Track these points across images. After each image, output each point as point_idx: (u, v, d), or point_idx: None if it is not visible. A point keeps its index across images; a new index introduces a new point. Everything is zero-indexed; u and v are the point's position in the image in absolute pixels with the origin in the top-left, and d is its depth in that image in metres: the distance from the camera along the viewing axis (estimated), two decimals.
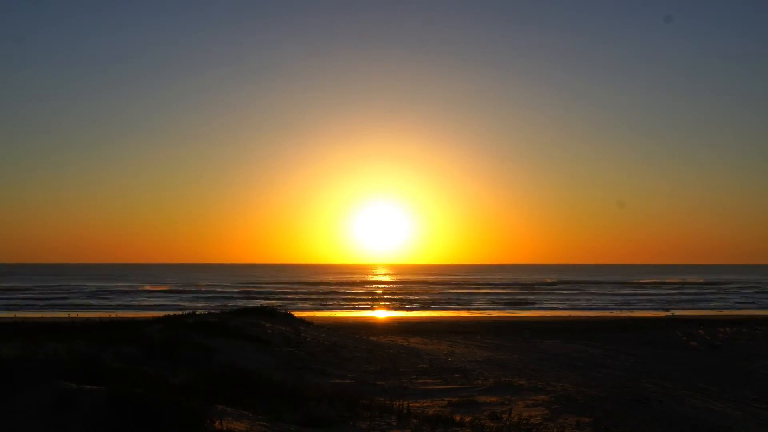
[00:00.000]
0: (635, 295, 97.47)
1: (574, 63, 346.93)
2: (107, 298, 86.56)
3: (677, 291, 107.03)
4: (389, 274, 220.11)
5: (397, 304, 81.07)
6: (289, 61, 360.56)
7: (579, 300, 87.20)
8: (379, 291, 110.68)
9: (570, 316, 60.46)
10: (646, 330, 41.38)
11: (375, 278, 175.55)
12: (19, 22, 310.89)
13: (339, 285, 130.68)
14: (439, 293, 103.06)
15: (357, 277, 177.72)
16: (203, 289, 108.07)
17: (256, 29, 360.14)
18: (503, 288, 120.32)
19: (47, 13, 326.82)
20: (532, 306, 77.80)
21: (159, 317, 27.01)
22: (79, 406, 9.67)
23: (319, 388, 15.40)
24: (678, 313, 63.63)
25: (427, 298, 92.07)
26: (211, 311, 33.06)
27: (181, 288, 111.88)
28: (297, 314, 33.94)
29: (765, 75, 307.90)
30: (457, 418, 13.05)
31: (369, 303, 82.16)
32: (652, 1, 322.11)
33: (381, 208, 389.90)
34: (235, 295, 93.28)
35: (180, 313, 29.41)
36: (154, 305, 74.14)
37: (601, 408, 14.74)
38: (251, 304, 62.85)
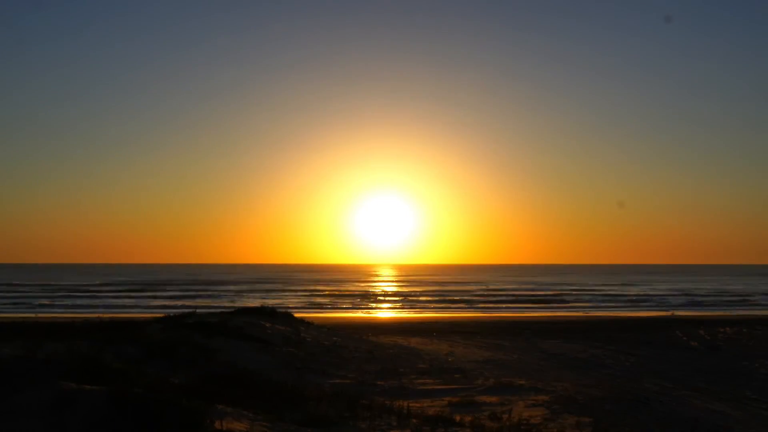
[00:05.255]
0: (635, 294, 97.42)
1: (574, 63, 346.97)
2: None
3: (678, 291, 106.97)
4: (390, 274, 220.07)
5: (397, 304, 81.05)
6: (290, 61, 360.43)
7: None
8: (380, 291, 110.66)
9: (570, 316, 60.45)
10: (646, 330, 41.35)
11: (376, 279, 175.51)
12: (22, 26, 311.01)
13: (340, 285, 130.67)
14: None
15: (358, 278, 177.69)
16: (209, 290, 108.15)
17: (256, 30, 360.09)
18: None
19: (49, 16, 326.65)
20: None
21: (159, 317, 27.01)
22: (79, 406, 9.67)
23: (319, 388, 15.41)
24: (678, 313, 63.61)
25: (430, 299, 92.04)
26: (212, 311, 33.08)
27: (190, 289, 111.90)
28: (297, 314, 33.91)
29: (766, 76, 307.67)
30: (457, 418, 13.06)
31: (369, 303, 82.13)
32: (652, 2, 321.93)
33: (381, 208, 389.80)
34: (233, 295, 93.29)
35: (180, 312, 29.41)
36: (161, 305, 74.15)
37: (601, 408, 14.74)
38: (251, 303, 62.93)
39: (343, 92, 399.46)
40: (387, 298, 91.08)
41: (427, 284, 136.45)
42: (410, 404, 14.10)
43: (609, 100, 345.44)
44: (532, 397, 15.85)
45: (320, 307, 75.44)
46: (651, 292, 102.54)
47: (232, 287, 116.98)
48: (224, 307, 46.10)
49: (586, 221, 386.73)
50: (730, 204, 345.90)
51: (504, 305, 78.01)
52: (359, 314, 63.40)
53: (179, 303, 74.05)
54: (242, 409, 11.19)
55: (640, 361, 27.17)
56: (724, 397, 19.50)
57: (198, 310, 33.03)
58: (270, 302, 69.03)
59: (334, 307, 74.73)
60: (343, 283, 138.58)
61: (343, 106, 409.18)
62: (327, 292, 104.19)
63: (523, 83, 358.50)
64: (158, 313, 37.67)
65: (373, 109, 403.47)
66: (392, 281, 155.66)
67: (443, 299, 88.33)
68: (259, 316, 29.00)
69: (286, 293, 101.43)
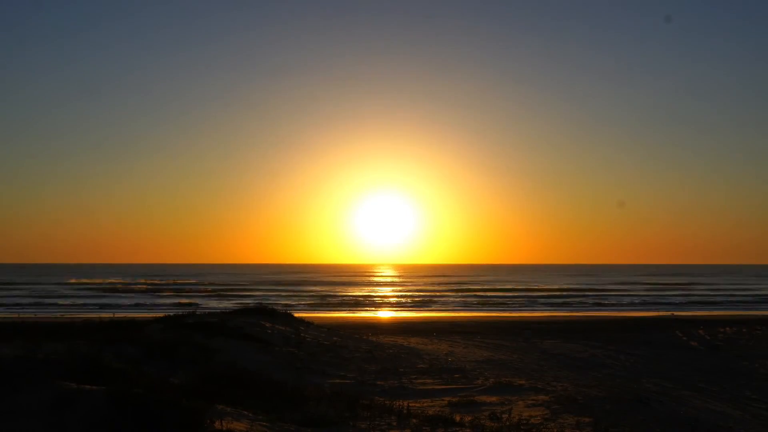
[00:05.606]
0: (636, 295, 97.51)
1: (574, 63, 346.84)
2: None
3: (678, 291, 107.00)
4: (390, 274, 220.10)
5: (397, 304, 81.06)
6: (291, 62, 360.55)
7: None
8: (380, 291, 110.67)
9: (570, 316, 60.46)
10: (646, 330, 41.36)
11: (376, 278, 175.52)
12: (23, 26, 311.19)
13: (339, 285, 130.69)
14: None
15: (358, 278, 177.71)
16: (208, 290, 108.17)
17: (257, 29, 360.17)
18: None
19: (49, 16, 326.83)
20: None
21: (159, 317, 27.04)
22: (79, 406, 9.67)
23: (319, 388, 15.41)
24: (678, 313, 63.60)
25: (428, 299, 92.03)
26: (212, 311, 33.08)
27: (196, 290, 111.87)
28: (297, 314, 33.92)
29: (766, 76, 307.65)
30: (457, 418, 13.06)
31: (369, 303, 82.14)
32: (652, 2, 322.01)
33: (381, 208, 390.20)
34: (233, 296, 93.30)
35: (180, 312, 29.42)
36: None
37: (601, 408, 14.75)
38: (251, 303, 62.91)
39: (343, 93, 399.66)
40: (387, 298, 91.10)
41: (426, 284, 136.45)
42: (410, 404, 14.11)
43: (609, 101, 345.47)
44: (532, 397, 15.85)
45: (320, 307, 75.45)
46: (652, 292, 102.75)
47: (232, 287, 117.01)
48: (224, 307, 46.11)
49: (586, 221, 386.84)
50: (730, 204, 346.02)
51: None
52: (359, 314, 63.41)
53: (180, 302, 74.09)
54: (242, 409, 11.19)
55: (640, 361, 27.17)
56: (724, 397, 19.50)
57: (198, 310, 33.04)
58: (270, 302, 69.04)
59: (334, 307, 74.73)
60: (343, 283, 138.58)
61: (343, 107, 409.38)
62: (327, 292, 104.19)
63: (523, 83, 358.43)
64: (158, 313, 37.67)
65: (373, 110, 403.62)
66: (392, 281, 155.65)
67: (459, 299, 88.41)
68: (259, 316, 29.01)
69: (287, 293, 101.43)
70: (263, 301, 65.99)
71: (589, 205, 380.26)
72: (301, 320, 31.01)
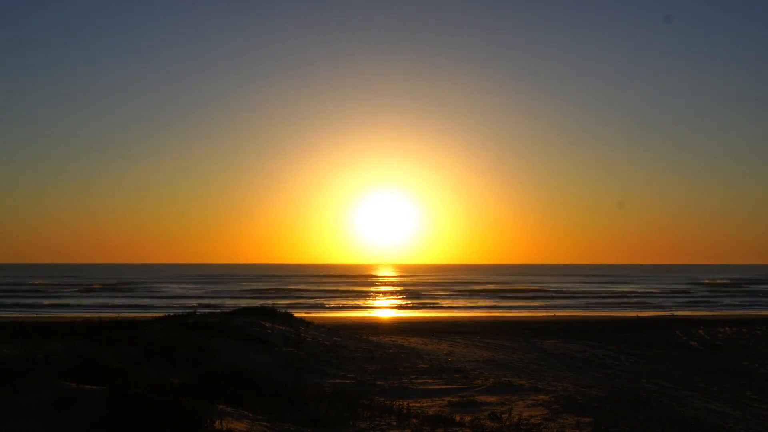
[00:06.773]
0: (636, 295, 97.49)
1: (574, 63, 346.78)
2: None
3: (678, 292, 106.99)
4: (391, 274, 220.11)
5: (397, 304, 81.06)
6: (290, 62, 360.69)
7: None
8: (380, 291, 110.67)
9: (570, 316, 60.46)
10: (646, 330, 41.36)
11: (376, 278, 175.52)
12: (23, 26, 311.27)
13: (340, 285, 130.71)
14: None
15: (358, 278, 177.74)
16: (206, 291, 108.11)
17: (257, 29, 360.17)
18: None
19: (50, 16, 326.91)
20: None
21: (159, 317, 27.04)
22: (79, 406, 9.67)
23: (319, 388, 15.41)
24: (678, 313, 63.60)
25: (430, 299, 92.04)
26: (211, 311, 33.09)
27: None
28: (297, 314, 33.92)
29: (766, 76, 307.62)
30: (457, 418, 13.07)
31: (369, 303, 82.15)
32: (652, 2, 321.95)
33: (382, 208, 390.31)
34: (238, 296, 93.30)
35: (180, 313, 29.43)
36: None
37: (601, 408, 14.75)
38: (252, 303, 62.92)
39: (343, 93, 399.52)
40: (387, 298, 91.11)
41: (427, 284, 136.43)
42: (410, 404, 14.11)
43: (609, 100, 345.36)
44: (532, 397, 15.86)
45: (320, 307, 75.45)
46: (650, 291, 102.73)
47: (234, 286, 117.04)
48: (224, 307, 46.13)
49: (586, 221, 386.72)
50: (730, 204, 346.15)
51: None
52: (359, 314, 63.43)
53: (181, 302, 74.14)
54: (242, 409, 11.20)
55: (640, 361, 27.16)
56: (724, 397, 19.50)
57: (198, 311, 33.06)
58: (270, 302, 69.10)
59: (334, 307, 74.74)
60: (344, 283, 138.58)
61: (343, 107, 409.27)
62: (327, 292, 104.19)
63: (523, 83, 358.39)
64: (160, 313, 37.68)
65: (373, 110, 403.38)
66: (392, 281, 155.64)
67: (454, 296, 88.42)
68: (259, 316, 29.02)
69: (287, 293, 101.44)
70: (263, 301, 66.08)
71: (589, 205, 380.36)
72: (301, 320, 31.01)
